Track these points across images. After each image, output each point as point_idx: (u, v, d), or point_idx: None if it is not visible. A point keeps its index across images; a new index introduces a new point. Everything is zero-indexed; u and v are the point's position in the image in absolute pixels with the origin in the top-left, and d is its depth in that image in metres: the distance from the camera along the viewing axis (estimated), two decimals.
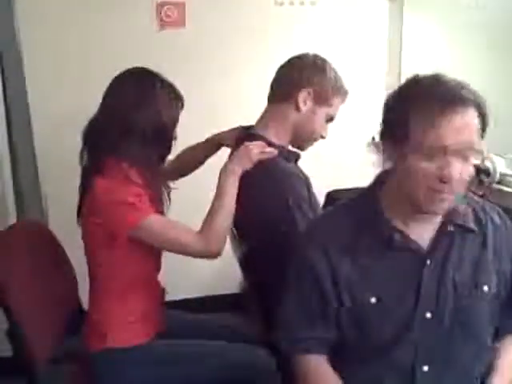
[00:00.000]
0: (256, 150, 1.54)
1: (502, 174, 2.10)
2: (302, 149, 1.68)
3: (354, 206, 1.26)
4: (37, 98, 2.43)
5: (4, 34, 2.32)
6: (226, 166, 1.59)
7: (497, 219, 1.24)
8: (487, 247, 1.20)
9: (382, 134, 1.18)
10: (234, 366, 1.60)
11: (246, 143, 1.57)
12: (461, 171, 1.08)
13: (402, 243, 1.17)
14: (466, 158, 1.08)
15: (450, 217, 1.18)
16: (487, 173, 2.11)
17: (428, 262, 1.16)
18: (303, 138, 1.64)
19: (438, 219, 1.19)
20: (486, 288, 1.18)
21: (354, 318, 1.19)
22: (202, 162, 1.94)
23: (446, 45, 2.51)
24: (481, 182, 2.13)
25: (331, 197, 2.71)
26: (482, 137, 1.12)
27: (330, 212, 1.33)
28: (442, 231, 1.18)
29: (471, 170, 1.11)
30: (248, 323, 1.80)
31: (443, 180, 1.07)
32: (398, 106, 1.14)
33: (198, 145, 1.93)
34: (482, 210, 1.24)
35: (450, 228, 1.18)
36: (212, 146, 1.90)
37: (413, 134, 1.08)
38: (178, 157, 1.88)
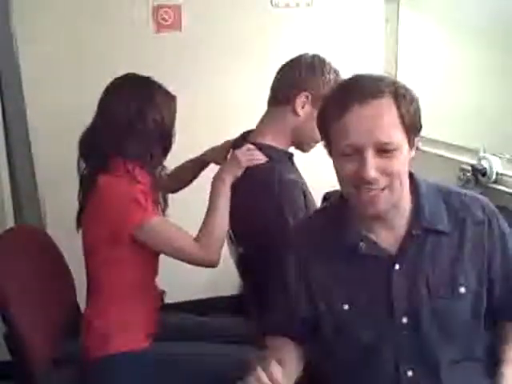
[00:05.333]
0: (243, 158, 1.55)
1: (498, 174, 2.10)
2: (305, 151, 1.68)
3: (327, 212, 1.28)
4: (34, 101, 2.43)
5: (1, 41, 2.32)
6: (216, 175, 1.61)
7: (479, 215, 1.18)
8: (465, 246, 1.16)
9: (324, 146, 1.21)
10: (234, 369, 1.59)
11: (234, 152, 1.59)
12: (381, 167, 1.06)
13: (368, 250, 1.16)
14: (384, 153, 1.06)
15: (414, 220, 1.16)
16: (483, 172, 2.11)
17: (397, 266, 1.14)
18: (304, 141, 1.64)
19: (404, 223, 1.16)
20: (463, 289, 1.14)
21: (331, 324, 1.19)
22: (191, 181, 1.97)
23: (442, 45, 2.51)
24: (477, 182, 2.14)
25: (328, 197, 2.71)
26: (413, 127, 1.11)
27: (308, 218, 1.36)
28: (408, 235, 1.16)
29: (399, 166, 1.08)
30: (247, 325, 1.81)
31: (360, 178, 1.07)
32: (320, 117, 1.18)
33: (188, 164, 1.96)
34: (461, 205, 1.19)
35: (417, 232, 1.15)
36: (200, 165, 1.93)
37: (332, 139, 1.12)
38: (171, 174, 1.87)
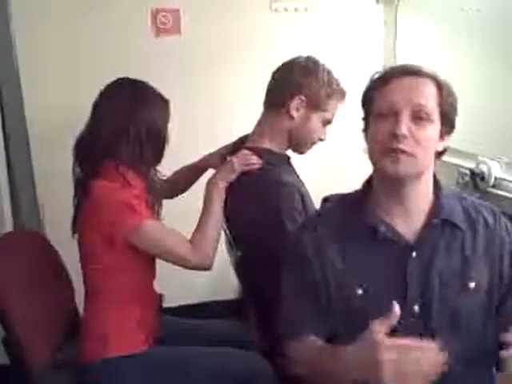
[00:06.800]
0: (238, 163, 1.56)
1: (497, 178, 2.10)
2: (302, 153, 1.69)
3: (348, 199, 1.30)
4: (33, 104, 2.43)
5: (0, 43, 2.32)
6: (210, 180, 1.62)
7: (490, 220, 1.23)
8: (477, 245, 1.20)
9: (363, 130, 1.24)
10: (233, 373, 1.60)
11: (229, 158, 1.59)
12: (412, 130, 1.11)
13: (387, 235, 1.18)
14: (418, 120, 1.13)
15: (434, 210, 1.20)
16: (482, 177, 2.12)
17: (413, 254, 1.17)
18: (300, 143, 1.65)
19: (423, 214, 1.20)
20: (472, 284, 1.18)
21: (343, 309, 1.20)
22: (188, 187, 1.98)
23: (441, 48, 2.52)
24: (476, 186, 2.14)
25: (327, 201, 2.71)
26: (447, 118, 1.16)
27: (324, 207, 1.38)
28: (427, 224, 1.19)
29: (429, 137, 1.14)
30: (245, 329, 1.81)
31: (391, 134, 1.11)
32: (364, 93, 1.23)
33: (184, 170, 1.97)
34: (474, 209, 1.24)
35: (436, 221, 1.19)
36: (196, 171, 1.94)
37: (373, 106, 1.18)
38: (167, 180, 1.88)
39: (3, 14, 2.29)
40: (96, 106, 1.61)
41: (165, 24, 2.61)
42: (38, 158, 2.47)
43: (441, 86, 1.16)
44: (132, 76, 1.65)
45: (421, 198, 1.20)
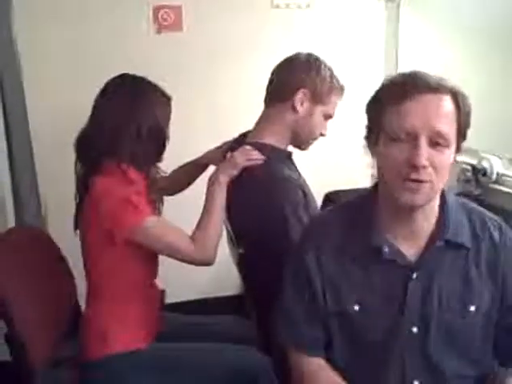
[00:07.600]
0: (240, 158, 1.56)
1: (499, 174, 2.10)
2: (303, 148, 1.69)
3: (350, 209, 1.26)
4: (35, 100, 2.43)
5: (2, 41, 2.32)
6: (212, 176, 1.61)
7: (496, 236, 1.18)
8: (480, 265, 1.16)
9: (366, 137, 1.18)
10: (234, 369, 1.60)
11: (230, 154, 1.60)
12: (430, 158, 1.06)
13: (391, 256, 1.15)
14: (436, 146, 1.07)
15: (439, 231, 1.16)
16: (484, 173, 2.11)
17: (414, 275, 1.14)
18: (302, 138, 1.65)
19: (428, 233, 1.16)
20: (473, 308, 1.15)
21: (340, 324, 1.19)
22: (189, 183, 1.98)
23: (443, 46, 2.52)
24: (478, 182, 2.14)
25: (329, 198, 2.71)
26: (462, 132, 1.11)
27: (328, 212, 1.34)
28: (430, 246, 1.16)
29: (447, 162, 1.09)
30: (247, 325, 1.81)
31: (410, 164, 1.05)
32: (374, 103, 1.15)
33: (186, 166, 1.97)
34: (480, 223, 1.19)
35: (439, 243, 1.15)
36: (198, 167, 1.94)
37: (385, 123, 1.10)
38: (169, 176, 1.88)
39: (5, 14, 2.29)
40: (97, 103, 1.61)
41: (166, 21, 2.60)
42: (40, 156, 2.47)
43: (458, 100, 1.10)
44: (134, 73, 1.65)
45: (428, 217, 1.16)
